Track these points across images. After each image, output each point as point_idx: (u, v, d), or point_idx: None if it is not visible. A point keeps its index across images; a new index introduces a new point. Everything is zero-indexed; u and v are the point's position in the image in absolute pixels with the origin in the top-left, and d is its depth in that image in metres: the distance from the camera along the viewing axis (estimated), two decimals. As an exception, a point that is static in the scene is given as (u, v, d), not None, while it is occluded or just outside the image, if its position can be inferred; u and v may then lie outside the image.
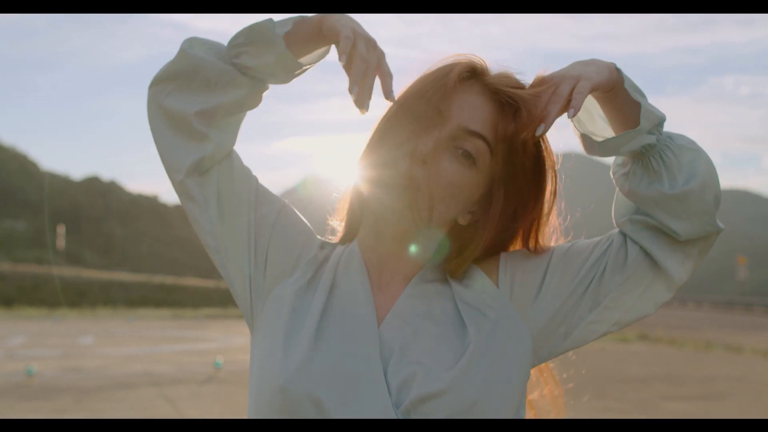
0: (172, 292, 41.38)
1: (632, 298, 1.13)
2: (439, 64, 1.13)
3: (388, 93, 1.02)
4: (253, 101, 1.16)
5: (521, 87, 1.12)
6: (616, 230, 1.18)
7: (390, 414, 1.00)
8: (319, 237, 1.22)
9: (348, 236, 1.20)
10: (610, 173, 1.20)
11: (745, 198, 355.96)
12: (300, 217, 1.22)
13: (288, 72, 1.12)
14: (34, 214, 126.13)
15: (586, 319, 1.14)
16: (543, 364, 1.27)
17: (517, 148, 1.10)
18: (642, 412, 8.88)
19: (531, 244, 1.18)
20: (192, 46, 1.13)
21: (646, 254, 1.12)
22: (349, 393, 1.02)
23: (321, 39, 1.08)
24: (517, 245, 1.21)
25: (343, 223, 1.22)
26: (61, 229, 67.74)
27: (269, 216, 1.17)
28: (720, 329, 25.17)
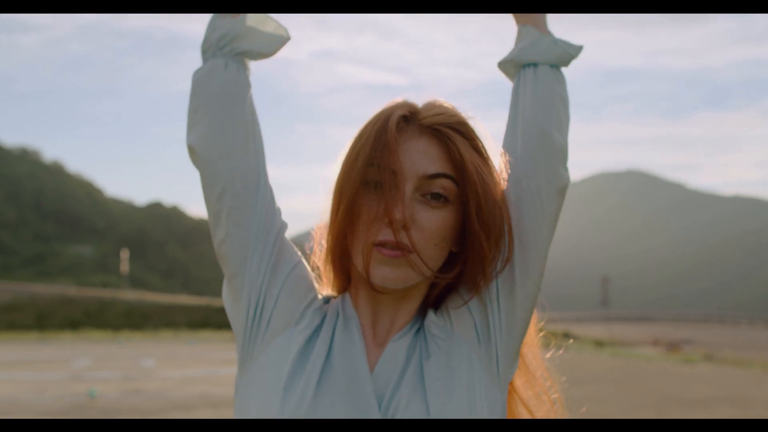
0: (232, 314, 41.67)
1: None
2: (370, 125, 1.13)
3: None
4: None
5: (449, 109, 1.16)
6: None
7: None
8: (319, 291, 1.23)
9: (337, 289, 1.24)
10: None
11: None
12: (309, 272, 1.23)
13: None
14: (99, 240, 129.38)
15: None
16: (537, 366, 1.29)
17: (474, 167, 1.12)
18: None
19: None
20: None
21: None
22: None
23: None
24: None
25: (329, 278, 1.24)
26: (124, 254, 69.26)
27: (285, 269, 1.18)
28: (790, 350, 24.32)
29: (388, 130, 1.09)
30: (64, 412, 9.89)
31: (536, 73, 1.22)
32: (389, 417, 1.07)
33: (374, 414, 1.07)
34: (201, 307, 43.15)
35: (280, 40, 1.20)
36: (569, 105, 1.23)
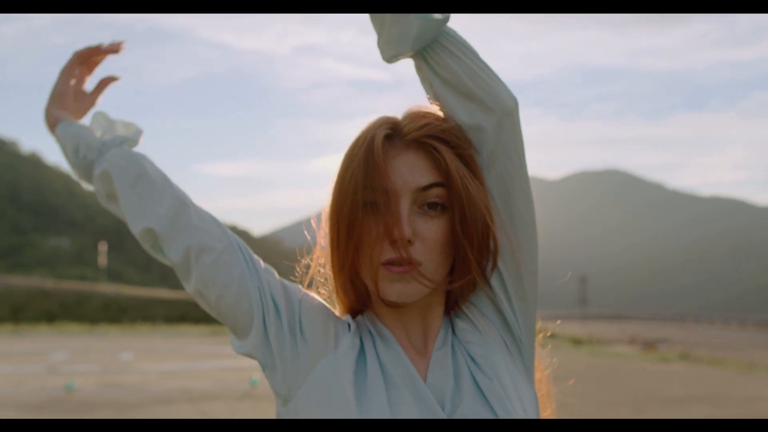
0: (211, 309, 41.54)
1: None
2: (355, 148, 1.15)
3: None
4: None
5: (430, 115, 1.17)
6: None
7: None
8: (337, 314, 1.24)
9: (354, 311, 1.24)
10: None
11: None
12: (316, 298, 1.23)
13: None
14: (77, 232, 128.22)
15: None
16: (538, 366, 1.31)
17: (459, 176, 1.14)
18: (681, 434, 8.73)
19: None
20: None
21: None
22: None
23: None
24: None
25: (341, 302, 1.24)
26: (102, 247, 68.72)
27: (294, 310, 1.19)
28: (764, 349, 24.61)
29: (375, 151, 1.11)
30: (42, 406, 9.81)
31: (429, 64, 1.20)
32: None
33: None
34: (179, 301, 42.91)
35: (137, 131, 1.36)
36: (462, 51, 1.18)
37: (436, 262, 1.12)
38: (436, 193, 1.12)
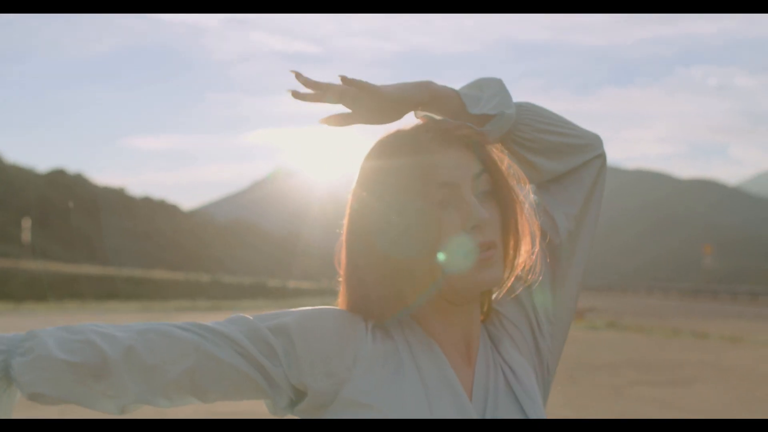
0: (141, 285, 41.05)
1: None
2: (397, 149, 1.14)
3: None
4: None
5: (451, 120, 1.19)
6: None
7: None
8: (351, 322, 1.13)
9: (386, 314, 1.14)
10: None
11: (711, 188, 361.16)
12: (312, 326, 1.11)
13: None
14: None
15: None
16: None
17: (492, 157, 1.18)
18: (613, 397, 8.99)
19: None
20: None
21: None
22: None
23: None
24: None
25: (378, 301, 1.14)
26: (26, 223, 66.76)
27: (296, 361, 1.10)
28: (687, 316, 25.53)
29: (430, 149, 1.12)
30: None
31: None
32: None
33: None
34: (108, 277, 42.08)
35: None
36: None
37: (501, 243, 1.14)
38: (484, 180, 1.13)
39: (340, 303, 1.18)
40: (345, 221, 1.18)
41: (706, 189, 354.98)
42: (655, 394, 9.37)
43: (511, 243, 1.16)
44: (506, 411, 1.13)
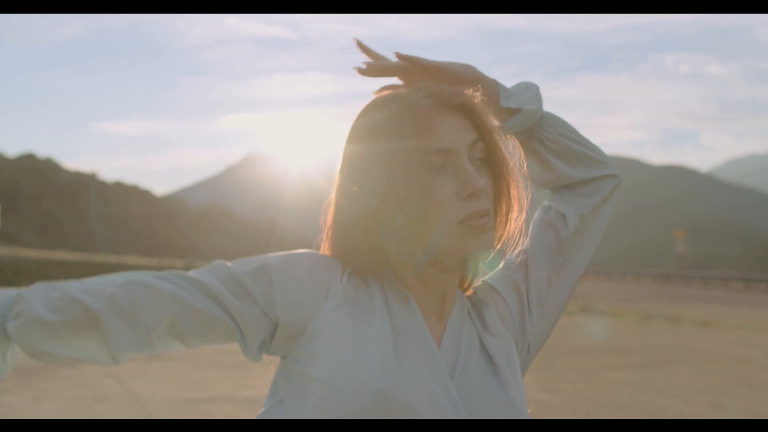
0: (113, 270, 40.44)
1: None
2: (396, 115, 1.15)
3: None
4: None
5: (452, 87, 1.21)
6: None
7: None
8: (326, 265, 1.17)
9: (368, 268, 1.17)
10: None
11: (682, 174, 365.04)
12: (291, 268, 1.14)
13: None
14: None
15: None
16: None
17: (488, 125, 1.19)
18: (588, 381, 9.07)
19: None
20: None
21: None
22: (434, 401, 1.10)
23: None
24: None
25: (360, 257, 1.17)
26: (-5, 208, 65.76)
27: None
28: (659, 301, 25.82)
29: (428, 115, 1.13)
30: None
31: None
32: (463, 390, 1.13)
33: (448, 384, 1.12)
34: (79, 263, 41.65)
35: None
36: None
37: (493, 211, 1.18)
38: (480, 148, 1.16)
39: (322, 251, 1.23)
40: (335, 179, 1.21)
41: (678, 175, 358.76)
42: (628, 377, 9.46)
43: (503, 210, 1.21)
44: (478, 364, 1.17)
